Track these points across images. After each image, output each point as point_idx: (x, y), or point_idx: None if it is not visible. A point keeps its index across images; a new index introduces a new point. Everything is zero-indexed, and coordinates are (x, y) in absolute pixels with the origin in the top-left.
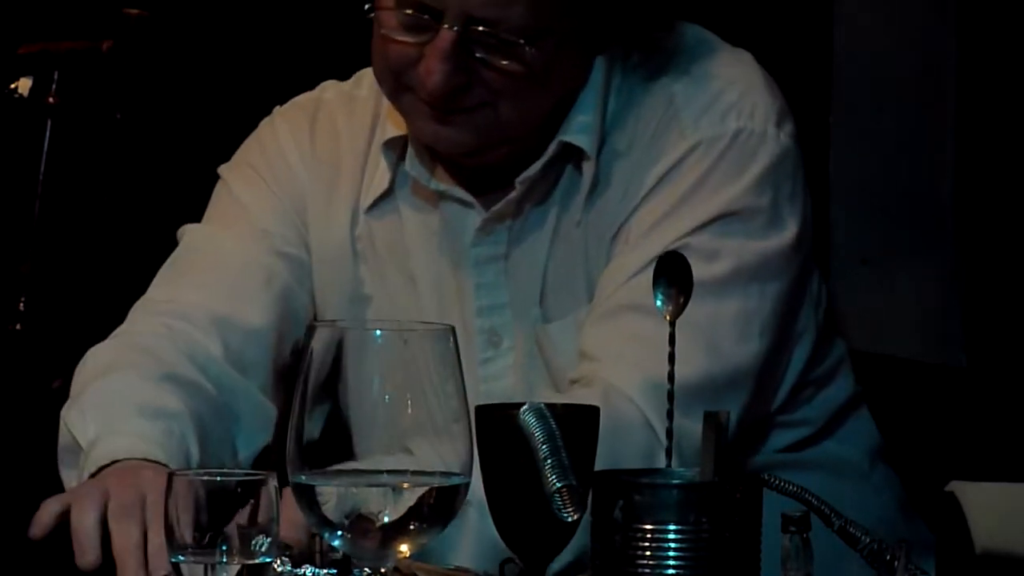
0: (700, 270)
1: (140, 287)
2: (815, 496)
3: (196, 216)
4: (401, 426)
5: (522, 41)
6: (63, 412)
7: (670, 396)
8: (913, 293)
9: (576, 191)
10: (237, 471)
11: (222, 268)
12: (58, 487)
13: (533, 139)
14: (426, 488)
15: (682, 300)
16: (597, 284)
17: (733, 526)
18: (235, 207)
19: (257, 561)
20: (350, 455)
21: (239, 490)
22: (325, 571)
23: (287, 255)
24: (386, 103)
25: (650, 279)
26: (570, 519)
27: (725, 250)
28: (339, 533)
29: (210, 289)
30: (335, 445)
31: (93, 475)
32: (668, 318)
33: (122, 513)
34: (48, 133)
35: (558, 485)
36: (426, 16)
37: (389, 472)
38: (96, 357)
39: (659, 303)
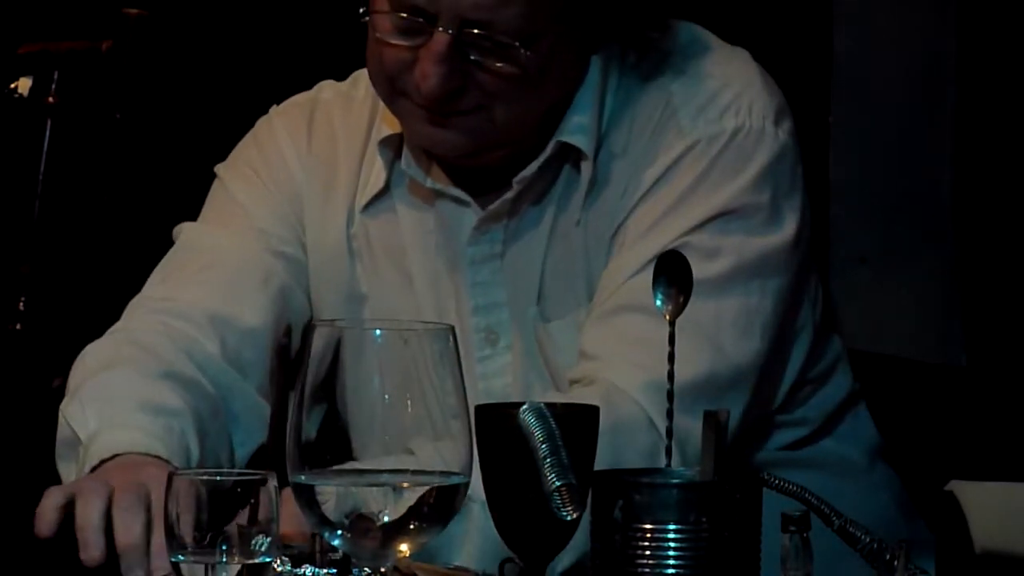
0: (700, 269)
1: (139, 287)
2: (815, 495)
3: (195, 216)
4: (401, 426)
5: (517, 43)
6: (62, 406)
7: (670, 396)
8: (913, 293)
9: (574, 191)
10: (237, 471)
11: (219, 267)
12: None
13: (530, 140)
14: (426, 488)
15: (682, 299)
16: (597, 284)
17: (733, 526)
18: (232, 206)
19: (257, 561)
20: (350, 455)
21: (239, 490)
22: (325, 571)
23: (284, 254)
24: (382, 103)
25: (650, 279)
26: (569, 518)
27: (725, 248)
28: (339, 533)
29: (207, 287)
30: (335, 445)
31: (94, 468)
32: (668, 317)
33: (126, 508)
34: (48, 133)
35: (557, 484)
36: (420, 19)
37: (389, 472)
38: (94, 353)
39: (659, 303)
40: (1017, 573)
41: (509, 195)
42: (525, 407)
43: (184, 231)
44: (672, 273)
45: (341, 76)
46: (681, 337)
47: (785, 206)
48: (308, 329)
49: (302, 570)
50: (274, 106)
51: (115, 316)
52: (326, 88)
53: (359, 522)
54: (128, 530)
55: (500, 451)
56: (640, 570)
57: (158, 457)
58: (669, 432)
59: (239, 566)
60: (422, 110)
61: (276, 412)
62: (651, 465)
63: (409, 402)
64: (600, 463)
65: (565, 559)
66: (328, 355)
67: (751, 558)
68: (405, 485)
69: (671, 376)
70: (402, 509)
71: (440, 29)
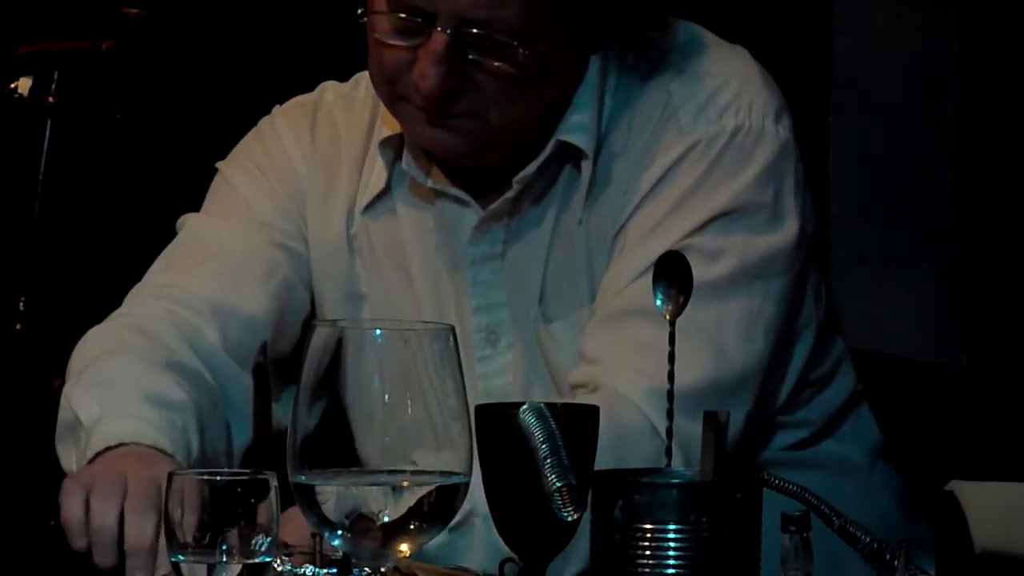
0: (703, 271)
1: None
2: (815, 495)
3: None
4: (401, 426)
5: (515, 42)
6: (64, 389)
7: (670, 396)
8: (913, 293)
9: (575, 190)
10: (238, 471)
11: (223, 257)
12: (59, 487)
13: (530, 140)
14: (426, 487)
15: (682, 300)
16: (599, 285)
17: (733, 526)
18: (235, 199)
19: (257, 561)
20: (350, 455)
21: (239, 490)
22: (325, 571)
23: (287, 248)
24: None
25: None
26: (569, 518)
27: (728, 249)
28: (339, 533)
29: (210, 277)
30: (335, 445)
31: (98, 454)
32: (668, 317)
33: (140, 507)
34: (48, 133)
35: (558, 484)
36: (419, 19)
37: (389, 472)
38: (97, 338)
39: (659, 303)
40: (1017, 573)
41: (510, 194)
42: (525, 407)
43: (188, 221)
44: (672, 273)
45: (342, 77)
46: (684, 340)
47: (787, 204)
48: (308, 329)
49: (302, 570)
50: (277, 106)
51: None
52: (328, 89)
53: (359, 522)
54: (139, 533)
55: (500, 451)
56: (640, 570)
57: (163, 451)
58: (669, 432)
59: (239, 566)
60: (421, 112)
61: (259, 424)
62: None
63: (409, 402)
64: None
65: (572, 567)
66: (328, 355)
67: (751, 558)
68: (405, 485)
69: (671, 376)
70: (402, 509)
71: (438, 29)
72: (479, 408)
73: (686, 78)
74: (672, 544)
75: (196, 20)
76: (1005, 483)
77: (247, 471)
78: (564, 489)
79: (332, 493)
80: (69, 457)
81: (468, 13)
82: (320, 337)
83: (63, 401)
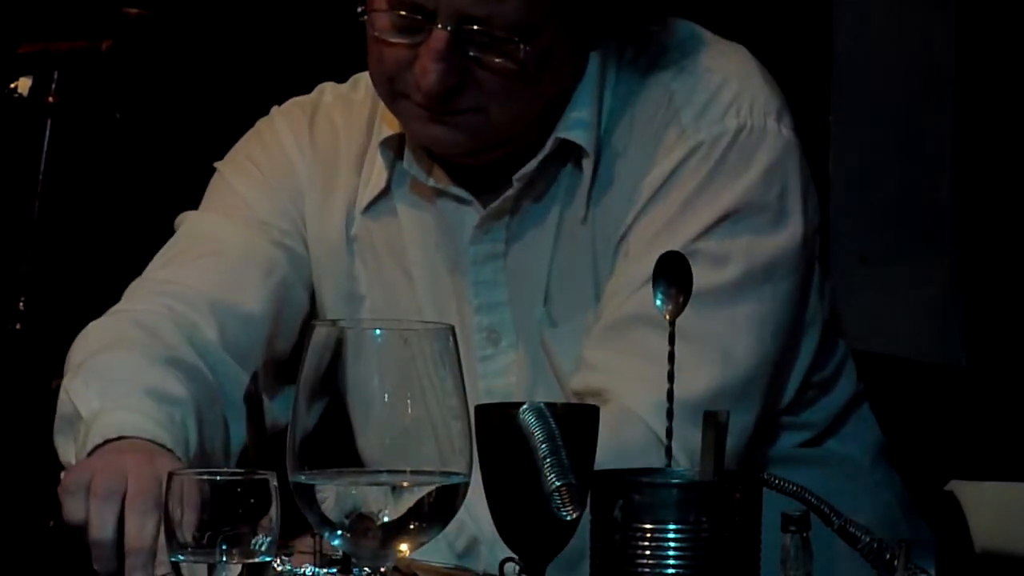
0: (711, 276)
1: None
2: (815, 495)
3: None
4: (401, 425)
5: (516, 39)
6: (64, 382)
7: (670, 395)
8: (913, 293)
9: (577, 188)
10: (237, 471)
11: (222, 254)
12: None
13: (530, 137)
14: (426, 488)
15: (682, 300)
16: (604, 289)
17: (733, 526)
18: (233, 198)
19: (257, 561)
20: (350, 455)
21: (239, 490)
22: (325, 571)
23: (286, 247)
24: (383, 104)
25: None
26: (569, 518)
27: (734, 253)
28: (339, 532)
29: (209, 274)
30: (335, 445)
31: (98, 446)
32: (668, 318)
33: (140, 506)
34: (48, 133)
35: (557, 484)
36: (419, 16)
37: (389, 471)
38: (97, 332)
39: (659, 303)
40: (1017, 573)
41: (510, 192)
42: (525, 407)
43: (187, 219)
44: (672, 274)
45: (342, 77)
46: (692, 348)
47: (791, 202)
48: (308, 329)
49: (302, 570)
50: (275, 106)
51: None
52: (327, 90)
53: (359, 522)
54: (139, 533)
55: (500, 451)
56: (640, 570)
57: (162, 446)
58: (669, 432)
59: (239, 566)
60: (421, 109)
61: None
62: None
63: (409, 402)
64: None
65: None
66: (328, 354)
67: (751, 558)
68: (405, 485)
69: (671, 376)
70: (402, 509)
71: (439, 26)
72: (479, 408)
73: (686, 76)
74: (672, 544)
75: (196, 20)
76: (1005, 483)
77: (247, 471)
78: (564, 489)
79: (332, 493)
80: (68, 449)
81: (468, 9)
82: (320, 337)
83: (62, 394)
